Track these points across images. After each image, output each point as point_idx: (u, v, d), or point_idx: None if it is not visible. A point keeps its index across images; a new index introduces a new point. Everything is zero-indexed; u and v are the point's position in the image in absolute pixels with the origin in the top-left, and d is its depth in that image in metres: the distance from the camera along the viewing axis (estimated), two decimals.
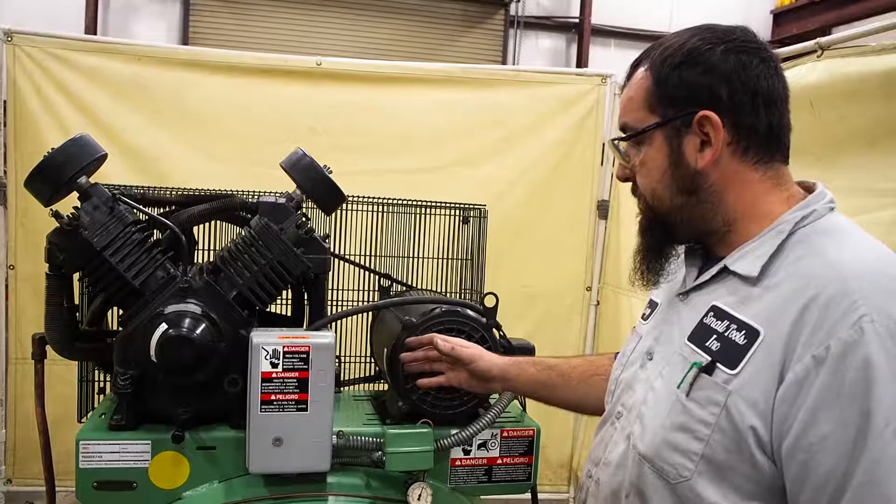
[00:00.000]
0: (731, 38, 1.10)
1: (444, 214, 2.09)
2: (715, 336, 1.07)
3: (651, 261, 1.22)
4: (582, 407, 1.59)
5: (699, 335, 1.11)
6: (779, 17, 8.77)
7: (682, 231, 1.18)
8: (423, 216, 2.08)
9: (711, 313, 1.11)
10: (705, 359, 1.06)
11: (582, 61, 8.46)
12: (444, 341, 1.58)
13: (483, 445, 1.70)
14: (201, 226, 1.80)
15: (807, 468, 0.94)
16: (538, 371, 1.58)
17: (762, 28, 8.77)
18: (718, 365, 1.04)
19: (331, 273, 1.79)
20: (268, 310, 1.68)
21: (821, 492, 0.93)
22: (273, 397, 1.44)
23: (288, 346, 1.44)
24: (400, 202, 2.07)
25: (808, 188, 1.15)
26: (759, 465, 0.99)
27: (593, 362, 1.58)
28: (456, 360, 1.58)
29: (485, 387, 1.61)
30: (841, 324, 0.92)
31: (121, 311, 1.56)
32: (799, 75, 2.12)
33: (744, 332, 1.03)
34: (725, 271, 1.13)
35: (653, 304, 1.35)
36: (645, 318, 1.35)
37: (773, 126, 1.11)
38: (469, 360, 1.57)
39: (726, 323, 1.07)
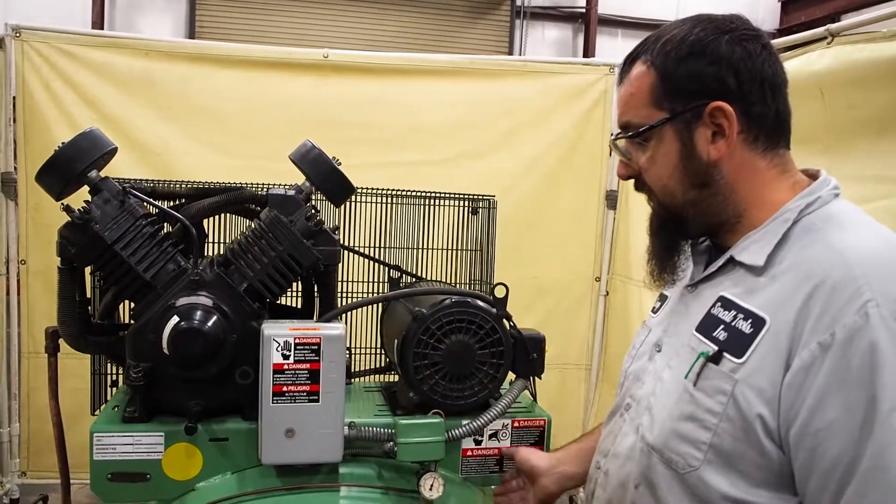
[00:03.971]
0: (731, 27, 1.10)
1: (453, 206, 2.09)
2: (722, 326, 1.07)
3: (665, 260, 1.21)
4: None
5: (707, 325, 1.11)
6: (787, 5, 8.73)
7: (695, 225, 1.17)
8: (431, 207, 2.08)
9: (719, 303, 1.11)
10: (712, 348, 1.06)
11: (589, 51, 8.45)
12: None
13: (494, 435, 1.71)
14: (211, 218, 1.81)
15: (815, 454, 0.94)
16: (581, 441, 1.57)
17: (770, 17, 8.74)
18: (725, 354, 1.04)
19: (341, 265, 1.79)
20: (278, 302, 1.69)
21: (829, 477, 0.93)
22: (285, 389, 1.44)
23: (299, 338, 1.44)
24: (409, 194, 2.06)
25: (813, 175, 1.14)
26: (768, 453, 0.99)
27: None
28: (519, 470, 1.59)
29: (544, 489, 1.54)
30: (846, 309, 0.92)
31: (132, 305, 1.56)
32: (808, 62, 2.10)
33: (750, 320, 1.03)
34: (732, 262, 1.13)
35: (663, 298, 1.34)
36: (655, 311, 1.35)
37: (779, 112, 1.11)
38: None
39: (733, 313, 1.07)
